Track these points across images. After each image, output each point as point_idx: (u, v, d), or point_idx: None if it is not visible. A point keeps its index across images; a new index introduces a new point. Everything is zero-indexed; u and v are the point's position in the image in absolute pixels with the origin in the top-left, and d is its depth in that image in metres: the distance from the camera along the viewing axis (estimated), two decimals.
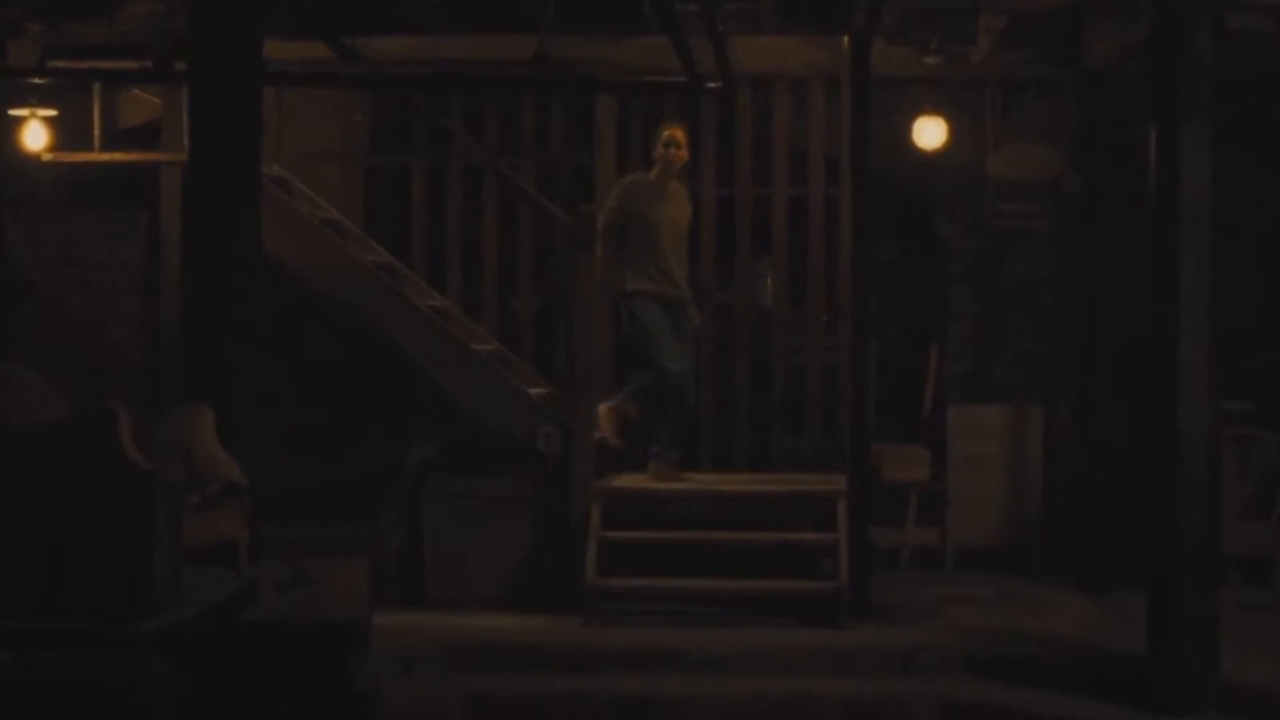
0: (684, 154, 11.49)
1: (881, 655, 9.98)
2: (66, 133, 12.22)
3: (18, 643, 5.66)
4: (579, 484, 11.16)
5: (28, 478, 5.83)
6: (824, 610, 10.56)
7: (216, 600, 6.29)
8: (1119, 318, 11.97)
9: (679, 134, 11.46)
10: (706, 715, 9.48)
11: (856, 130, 10.97)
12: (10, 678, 5.53)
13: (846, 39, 11.10)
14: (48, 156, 12.13)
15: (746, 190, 12.64)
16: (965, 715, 9.38)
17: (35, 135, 12.14)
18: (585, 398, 11.29)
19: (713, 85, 10.57)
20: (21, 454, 5.89)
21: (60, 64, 11.77)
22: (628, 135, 12.64)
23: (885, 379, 12.21)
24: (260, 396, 8.90)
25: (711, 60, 10.44)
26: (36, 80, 11.81)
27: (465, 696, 9.57)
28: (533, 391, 11.64)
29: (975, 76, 12.29)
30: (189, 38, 9.55)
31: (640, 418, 11.50)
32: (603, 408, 11.33)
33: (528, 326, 12.71)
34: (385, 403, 11.72)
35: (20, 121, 12.20)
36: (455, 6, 12.03)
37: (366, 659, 6.75)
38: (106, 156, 11.98)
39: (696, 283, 12.00)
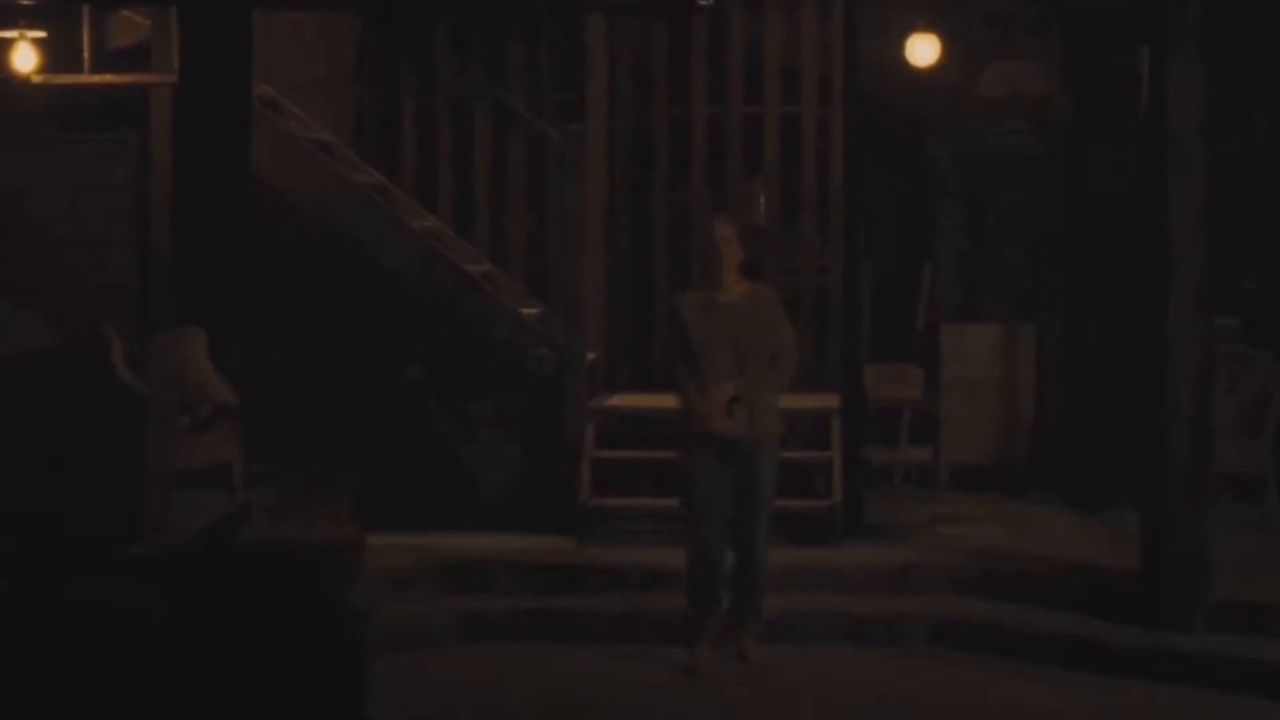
0: (727, 250, 9.10)
1: (874, 573, 10.03)
2: (56, 54, 12.14)
3: (9, 568, 5.67)
4: (572, 404, 11.17)
5: (19, 402, 5.83)
6: (817, 528, 10.60)
7: (209, 523, 6.31)
8: (1111, 239, 11.96)
9: (714, 227, 9.26)
10: None
11: (847, 50, 10.94)
12: (1, 602, 5.54)
13: None
14: (37, 78, 12.06)
15: (737, 110, 12.57)
16: (957, 631, 9.44)
17: (24, 57, 12.06)
18: (578, 317, 11.28)
19: (704, 4, 10.52)
20: (12, 378, 5.89)
21: None
22: (618, 54, 12.59)
23: (878, 297, 12.20)
24: (250, 317, 8.91)
25: None
26: (25, 1, 11.74)
27: (457, 616, 9.63)
28: (526, 311, 11.63)
29: None
30: None
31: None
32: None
33: (520, 246, 12.67)
34: (376, 323, 11.69)
35: (9, 43, 12.12)
36: None
37: (359, 579, 6.77)
38: (96, 78, 11.90)
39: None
